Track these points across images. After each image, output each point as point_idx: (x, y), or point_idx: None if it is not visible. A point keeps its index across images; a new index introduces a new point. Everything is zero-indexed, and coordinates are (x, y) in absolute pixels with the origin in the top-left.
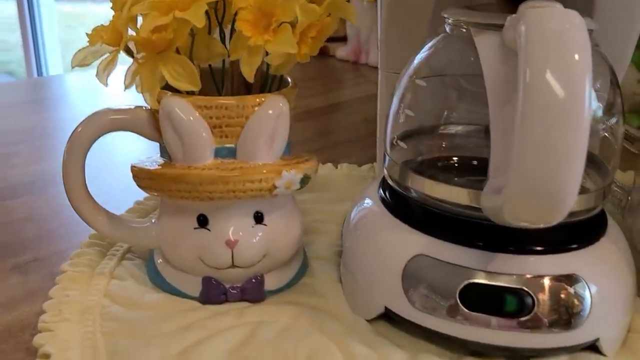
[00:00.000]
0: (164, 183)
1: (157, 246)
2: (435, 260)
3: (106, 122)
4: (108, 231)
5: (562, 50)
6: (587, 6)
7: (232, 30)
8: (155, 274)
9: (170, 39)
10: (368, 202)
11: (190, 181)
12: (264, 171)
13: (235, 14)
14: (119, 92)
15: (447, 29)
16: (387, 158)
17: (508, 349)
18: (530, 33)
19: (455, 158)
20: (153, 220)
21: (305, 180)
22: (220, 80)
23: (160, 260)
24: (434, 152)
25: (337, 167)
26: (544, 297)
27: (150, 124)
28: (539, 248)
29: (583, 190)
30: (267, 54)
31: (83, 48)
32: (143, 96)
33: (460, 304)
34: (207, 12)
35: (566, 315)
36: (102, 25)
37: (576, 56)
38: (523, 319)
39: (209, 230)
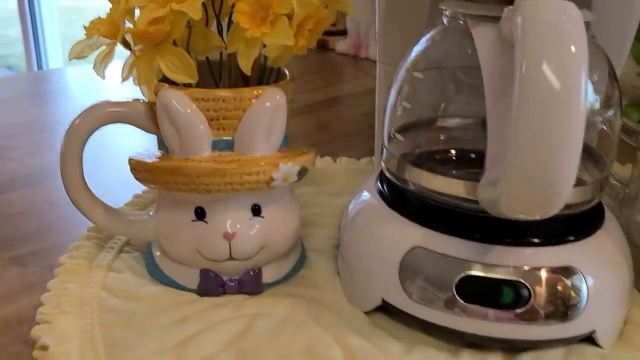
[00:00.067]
0: (161, 175)
1: (155, 239)
2: (433, 252)
3: (103, 114)
4: (106, 224)
5: (558, 42)
6: None
7: (230, 22)
8: (154, 267)
9: (167, 31)
10: (366, 194)
11: (188, 173)
12: (262, 163)
13: (233, 6)
14: (120, 85)
15: (445, 21)
16: (385, 151)
17: (505, 341)
18: (526, 25)
19: (452, 150)
20: (151, 213)
21: (302, 173)
22: (217, 73)
23: (158, 252)
24: (431, 145)
25: (335, 161)
26: (540, 289)
27: (148, 116)
28: (535, 240)
29: (580, 183)
30: (264, 46)
31: (80, 40)
32: (140, 89)
33: (457, 296)
34: (204, 4)
35: (563, 307)
36: (99, 17)
37: (572, 48)
38: (520, 310)
39: (206, 222)
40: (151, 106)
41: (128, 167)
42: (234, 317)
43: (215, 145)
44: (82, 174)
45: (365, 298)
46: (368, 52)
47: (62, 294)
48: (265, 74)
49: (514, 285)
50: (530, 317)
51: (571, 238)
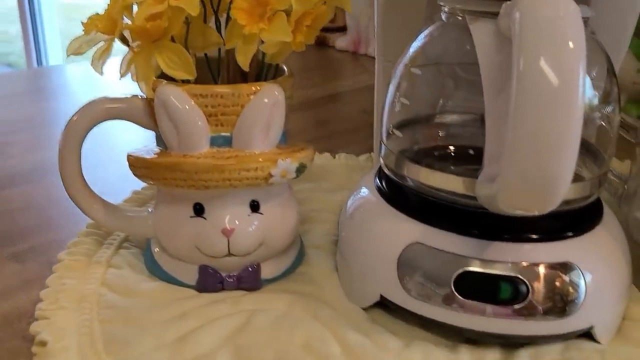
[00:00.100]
0: (159, 172)
1: (154, 235)
2: (431, 248)
3: (102, 110)
4: (104, 220)
5: (556, 38)
6: None
7: (228, 18)
8: (152, 263)
9: (165, 28)
10: (364, 191)
11: (186, 170)
12: (260, 160)
13: (231, 2)
14: (120, 82)
15: (443, 17)
16: (383, 147)
17: (503, 337)
18: (524, 20)
19: (451, 147)
20: (150, 209)
21: (301, 169)
22: (216, 69)
23: (157, 249)
24: (430, 141)
25: (335, 157)
26: (538, 284)
27: (146, 112)
28: (534, 236)
29: (578, 179)
30: (262, 42)
31: (78, 37)
32: (138, 85)
33: (455, 292)
34: (202, 1)
35: (561, 302)
36: (97, 14)
37: (570, 44)
38: (518, 306)
39: (205, 218)
40: (149, 102)
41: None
42: (233, 313)
43: (214, 142)
44: (81, 170)
45: (363, 294)
46: (367, 49)
47: (60, 290)
48: (263, 70)
49: (512, 281)
50: (529, 312)
51: (570, 234)
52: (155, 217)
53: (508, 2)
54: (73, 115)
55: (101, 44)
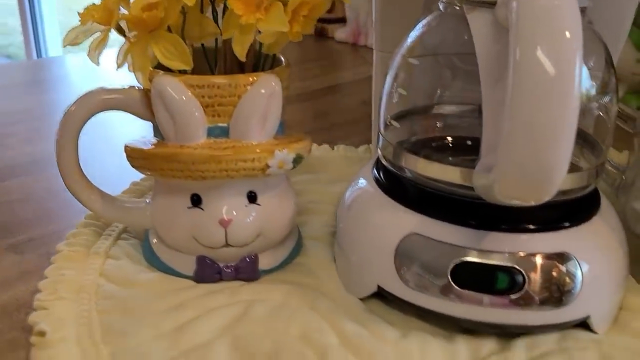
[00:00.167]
0: (156, 162)
1: (152, 226)
2: (428, 239)
3: (99, 101)
4: (102, 211)
5: (553, 27)
6: None
7: (225, 8)
8: (151, 254)
9: (161, 18)
10: (362, 182)
11: (183, 160)
12: (257, 150)
13: None
14: (119, 73)
15: (441, 7)
16: (381, 138)
17: (499, 326)
18: (520, 10)
19: (448, 137)
20: (147, 200)
21: (298, 160)
22: (213, 60)
23: (155, 240)
24: (427, 132)
25: (333, 149)
26: (535, 275)
27: (143, 103)
28: (531, 226)
29: (576, 169)
30: (259, 32)
31: (75, 27)
32: (135, 75)
33: (452, 282)
34: None
35: (557, 292)
36: (93, 4)
37: (567, 33)
38: (514, 296)
39: (202, 209)
40: (146, 93)
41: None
42: (230, 303)
43: (211, 132)
44: (78, 161)
45: (361, 285)
46: (367, 40)
47: (59, 281)
48: (260, 61)
49: (508, 271)
50: (525, 302)
51: (566, 224)
52: (152, 208)
53: None
54: (70, 106)
55: (97, 34)
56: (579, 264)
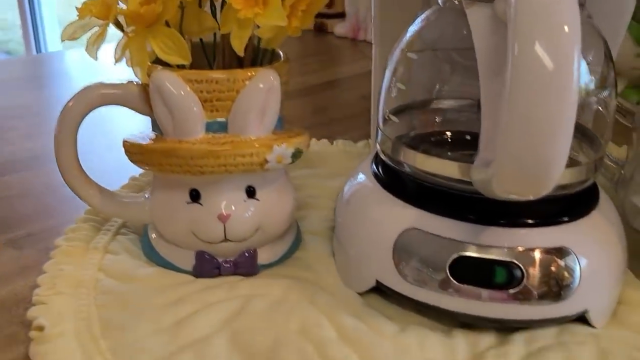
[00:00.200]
0: (155, 157)
1: (151, 221)
2: (427, 233)
3: (97, 96)
4: (101, 206)
5: (551, 21)
6: None
7: (223, 3)
8: (149, 249)
9: (159, 12)
10: (361, 176)
11: (181, 155)
12: (255, 145)
13: None
14: (120, 68)
15: (440, 1)
16: (380, 133)
17: (498, 321)
18: (519, 4)
19: (447, 132)
20: (146, 195)
21: (296, 155)
22: (211, 54)
23: (154, 235)
24: (426, 127)
25: (332, 143)
26: (533, 269)
27: (142, 98)
28: (530, 221)
29: (574, 163)
30: (257, 27)
31: (72, 22)
32: (133, 70)
33: (451, 277)
34: None
35: (556, 287)
36: None
37: (565, 28)
38: (513, 291)
39: (201, 204)
40: (144, 88)
41: None
42: (229, 298)
43: (209, 127)
44: (77, 156)
45: (359, 279)
46: (367, 35)
47: (58, 276)
48: (259, 56)
49: (507, 265)
50: (524, 297)
51: (565, 219)
52: (151, 203)
53: None
54: (68, 101)
55: (96, 29)
56: (577, 259)
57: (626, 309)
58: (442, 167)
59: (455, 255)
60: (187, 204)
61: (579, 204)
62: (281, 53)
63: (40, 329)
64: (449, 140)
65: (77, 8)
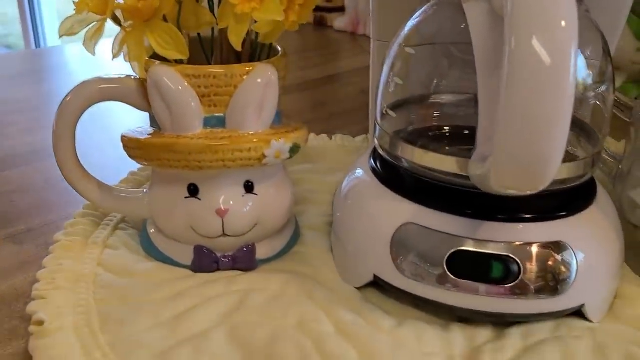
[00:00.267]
0: (153, 152)
1: (150, 216)
2: (424, 228)
3: (95, 91)
4: (100, 201)
5: (548, 16)
6: None
7: None
8: (148, 243)
9: (156, 7)
10: (359, 171)
11: (179, 150)
12: (253, 140)
13: None
14: (119, 62)
15: None
16: (378, 128)
17: (495, 315)
18: None
19: (445, 127)
20: (145, 190)
21: (294, 150)
22: (209, 49)
23: (153, 229)
24: (424, 121)
25: (331, 138)
26: (530, 264)
27: (140, 93)
28: (527, 216)
29: (572, 158)
30: (255, 22)
31: (70, 17)
32: (131, 65)
33: (448, 272)
34: None
35: (553, 281)
36: None
37: (562, 23)
38: (510, 285)
39: (199, 199)
40: (143, 83)
41: None
42: (228, 292)
43: (207, 122)
44: (75, 151)
45: (357, 274)
46: (366, 29)
47: (57, 270)
48: (257, 50)
49: (504, 260)
50: (521, 291)
51: (563, 213)
52: (150, 198)
53: None
54: (66, 96)
55: (94, 24)
56: (574, 253)
57: (623, 304)
58: (440, 162)
59: (452, 250)
60: (186, 199)
61: (576, 199)
62: (279, 48)
63: (40, 323)
64: (447, 135)
65: (74, 3)
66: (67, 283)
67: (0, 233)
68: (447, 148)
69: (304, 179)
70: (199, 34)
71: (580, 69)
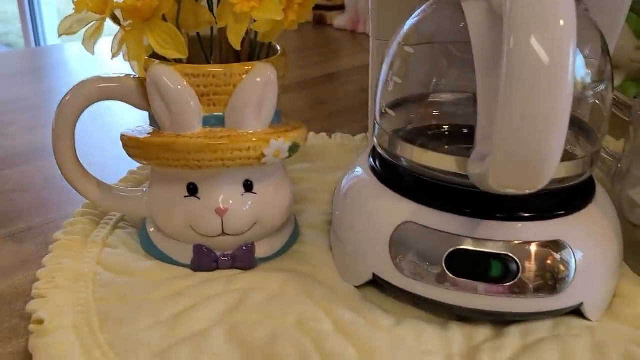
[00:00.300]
0: (152, 152)
1: (149, 215)
2: (423, 227)
3: (95, 90)
4: (99, 200)
5: (546, 15)
6: None
7: None
8: (148, 242)
9: (156, 6)
10: (358, 170)
11: (179, 150)
12: (253, 139)
13: None
14: (119, 61)
15: None
16: (377, 126)
17: (493, 314)
18: None
19: (444, 126)
20: (144, 189)
21: (293, 149)
22: (209, 49)
23: (152, 228)
24: (423, 120)
25: (331, 137)
26: (529, 262)
27: (139, 92)
28: (526, 215)
29: (571, 157)
30: (254, 21)
31: (69, 16)
32: (130, 64)
33: (447, 270)
34: None
35: (551, 280)
36: None
37: (561, 22)
38: (508, 284)
39: (199, 198)
40: (142, 82)
41: None
42: (227, 291)
43: (206, 121)
44: (74, 150)
45: (356, 273)
46: (366, 27)
47: (57, 269)
48: (256, 50)
49: (502, 259)
50: (519, 290)
51: (561, 212)
52: (149, 197)
53: None
54: (66, 95)
55: (93, 23)
56: (573, 252)
57: (621, 302)
58: (439, 161)
59: (451, 249)
60: (185, 198)
61: (575, 198)
62: (278, 47)
63: (40, 322)
64: (446, 133)
65: (73, 2)
66: (67, 282)
67: (0, 232)
68: (446, 147)
69: (304, 177)
70: (198, 33)
71: (579, 68)
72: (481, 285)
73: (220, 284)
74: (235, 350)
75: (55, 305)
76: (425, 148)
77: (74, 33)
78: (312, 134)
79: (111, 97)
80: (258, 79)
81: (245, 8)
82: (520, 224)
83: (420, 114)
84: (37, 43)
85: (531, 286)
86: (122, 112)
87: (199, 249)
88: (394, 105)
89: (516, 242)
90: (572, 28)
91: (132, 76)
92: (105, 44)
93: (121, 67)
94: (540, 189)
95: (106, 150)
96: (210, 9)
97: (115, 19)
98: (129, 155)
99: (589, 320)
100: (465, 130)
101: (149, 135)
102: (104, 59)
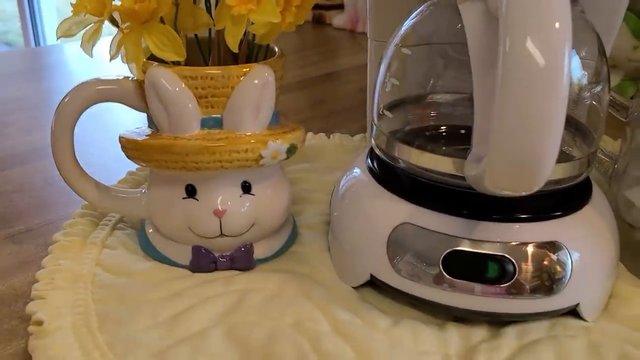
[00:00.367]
0: (150, 153)
1: (147, 216)
2: (420, 228)
3: (93, 92)
4: (97, 201)
5: (542, 17)
6: None
7: None
8: (147, 243)
9: (153, 9)
10: (356, 171)
11: (177, 151)
12: (251, 141)
13: None
14: (118, 62)
15: None
16: (375, 128)
17: (490, 315)
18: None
19: (441, 127)
20: (143, 191)
21: (291, 150)
22: (206, 50)
23: (151, 229)
24: (420, 122)
25: (329, 137)
26: (526, 263)
27: (137, 94)
28: (523, 216)
29: (568, 158)
30: (252, 23)
31: (68, 18)
32: (128, 67)
33: (444, 271)
34: None
35: (548, 281)
36: None
37: (556, 24)
38: (505, 285)
39: (197, 200)
40: (140, 84)
41: None
42: (226, 292)
43: (205, 123)
44: (73, 151)
45: (354, 273)
46: (365, 27)
47: (56, 270)
48: (254, 51)
49: (499, 260)
50: (516, 291)
51: (558, 213)
52: (148, 198)
53: None
54: (64, 97)
55: (91, 25)
56: (569, 253)
57: (618, 303)
58: (436, 163)
59: (448, 250)
60: (183, 200)
61: (571, 199)
62: (276, 48)
63: (39, 323)
64: (443, 135)
65: (71, 4)
66: (66, 283)
67: (0, 233)
68: (443, 148)
69: (302, 178)
70: (196, 35)
71: (575, 70)
72: (478, 286)
73: (219, 285)
74: (234, 351)
75: (55, 307)
76: (422, 149)
77: (73, 35)
78: (310, 134)
79: (110, 99)
80: (256, 81)
81: (242, 10)
82: (517, 225)
83: (418, 116)
84: (37, 41)
85: (528, 287)
86: (121, 112)
87: (197, 250)
88: (392, 107)
89: (513, 243)
90: (568, 30)
91: (130, 78)
92: (104, 43)
93: (121, 67)
94: (536, 190)
95: (106, 150)
96: (208, 11)
97: (114, 21)
98: (128, 157)
99: (585, 320)
100: (462, 132)
101: (147, 137)
102: (104, 58)
